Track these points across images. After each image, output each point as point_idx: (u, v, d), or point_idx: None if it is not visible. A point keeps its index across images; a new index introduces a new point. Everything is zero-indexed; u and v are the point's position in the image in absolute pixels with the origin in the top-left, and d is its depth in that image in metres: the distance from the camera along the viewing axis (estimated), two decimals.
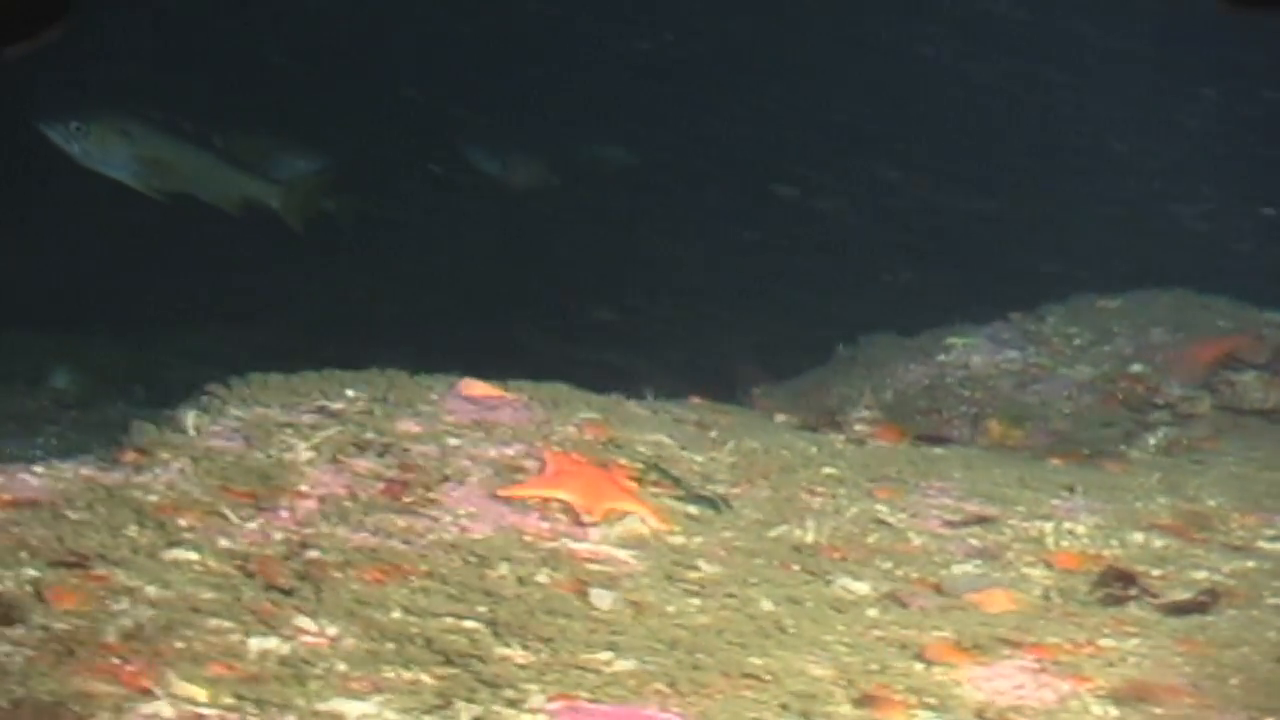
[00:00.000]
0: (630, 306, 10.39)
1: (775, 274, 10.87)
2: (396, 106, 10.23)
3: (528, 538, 2.64)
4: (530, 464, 2.84)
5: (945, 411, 5.00)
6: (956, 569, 2.84)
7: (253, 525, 2.62)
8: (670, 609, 2.49)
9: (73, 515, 2.58)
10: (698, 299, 10.37)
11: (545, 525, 2.67)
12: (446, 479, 2.77)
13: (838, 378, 5.58)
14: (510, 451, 2.88)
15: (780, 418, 3.78)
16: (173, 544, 2.55)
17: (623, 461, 2.97)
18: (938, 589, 2.74)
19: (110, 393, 7.41)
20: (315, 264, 10.05)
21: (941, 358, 5.37)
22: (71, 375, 7.59)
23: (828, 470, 3.19)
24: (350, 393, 3.16)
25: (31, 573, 2.39)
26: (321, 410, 3.05)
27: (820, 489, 3.09)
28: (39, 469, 2.71)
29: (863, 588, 2.63)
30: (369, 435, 2.87)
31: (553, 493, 2.70)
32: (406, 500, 2.70)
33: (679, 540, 2.77)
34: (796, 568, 2.74)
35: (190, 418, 2.94)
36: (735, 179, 11.85)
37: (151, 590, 2.39)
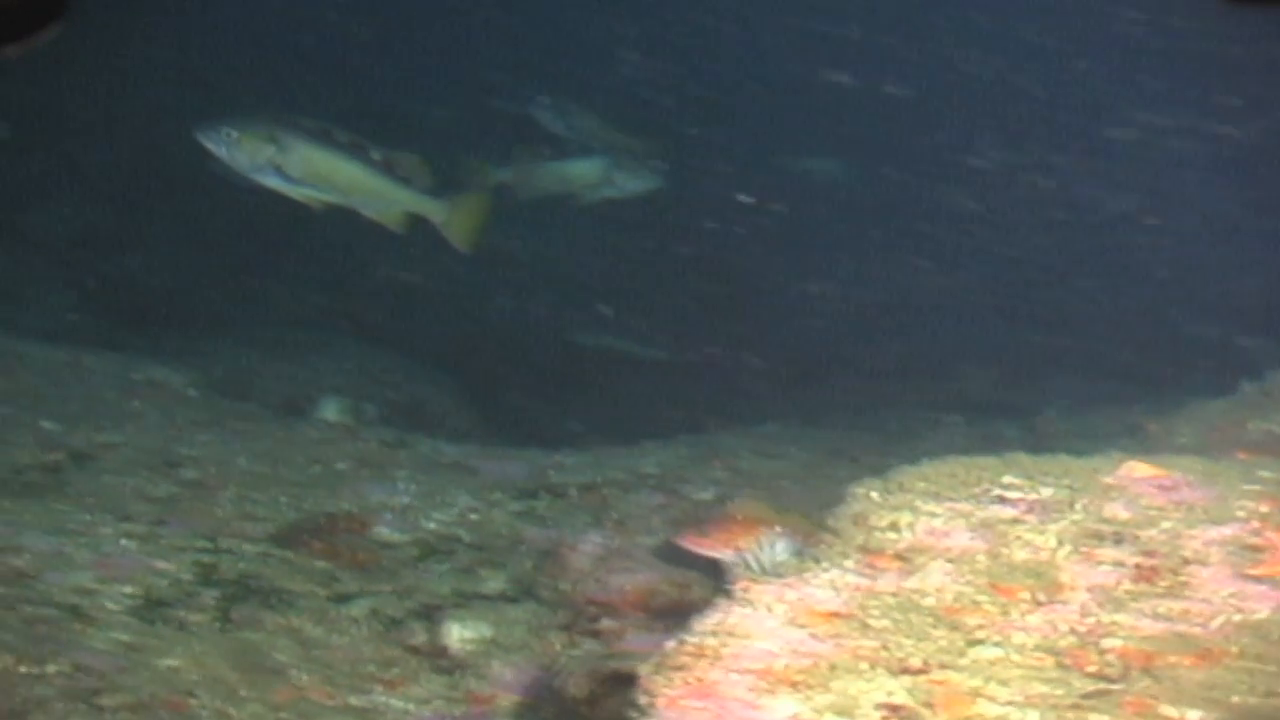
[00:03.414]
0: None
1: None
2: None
3: None
4: (1254, 540, 3.00)
5: None
6: None
7: (1035, 619, 2.80)
8: None
9: (874, 624, 2.79)
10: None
11: None
12: (1187, 561, 2.94)
13: (1252, 412, 5.72)
14: (1228, 531, 3.05)
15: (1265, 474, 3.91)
16: (974, 643, 2.74)
17: None
18: None
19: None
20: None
21: None
22: (339, 404, 7.74)
23: None
24: (1008, 479, 3.35)
25: (890, 684, 2.59)
26: (1002, 500, 3.24)
27: None
28: (815, 580, 2.92)
29: None
30: (1095, 525, 3.05)
31: None
32: (1163, 585, 2.87)
33: None
34: None
35: (904, 519, 3.14)
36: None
37: (996, 690, 2.59)
